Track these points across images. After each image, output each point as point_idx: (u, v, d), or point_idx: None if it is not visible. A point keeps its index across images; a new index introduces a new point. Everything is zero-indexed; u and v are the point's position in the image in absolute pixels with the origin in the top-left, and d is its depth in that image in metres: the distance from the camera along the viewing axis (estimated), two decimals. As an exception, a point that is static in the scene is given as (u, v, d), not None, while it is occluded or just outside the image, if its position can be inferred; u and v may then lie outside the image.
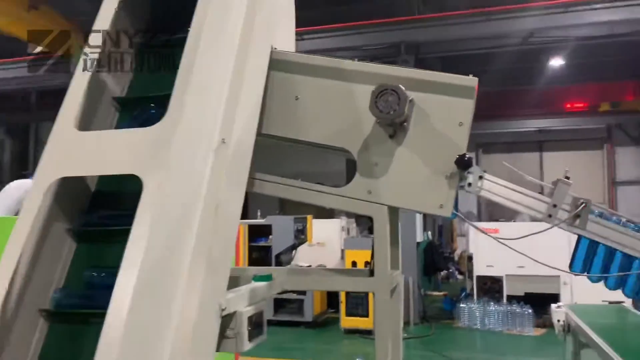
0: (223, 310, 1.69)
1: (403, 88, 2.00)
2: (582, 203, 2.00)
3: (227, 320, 1.77)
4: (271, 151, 2.53)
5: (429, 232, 13.47)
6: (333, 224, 11.05)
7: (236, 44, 1.93)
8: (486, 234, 2.49)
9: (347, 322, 8.93)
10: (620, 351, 3.22)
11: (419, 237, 11.10)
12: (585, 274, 2.04)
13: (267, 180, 2.25)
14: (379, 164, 2.16)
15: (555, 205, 2.04)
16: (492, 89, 15.66)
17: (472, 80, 2.09)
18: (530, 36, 10.47)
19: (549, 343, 7.62)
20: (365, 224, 11.03)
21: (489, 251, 8.96)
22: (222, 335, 1.76)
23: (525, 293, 9.15)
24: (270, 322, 9.41)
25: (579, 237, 2.07)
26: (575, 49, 12.60)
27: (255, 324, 1.86)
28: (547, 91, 16.53)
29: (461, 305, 9.48)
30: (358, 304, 8.75)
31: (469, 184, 2.12)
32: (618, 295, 2.35)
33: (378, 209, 2.15)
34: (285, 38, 2.45)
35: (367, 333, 8.47)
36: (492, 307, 9.05)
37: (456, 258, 15.44)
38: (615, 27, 9.64)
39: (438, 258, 12.45)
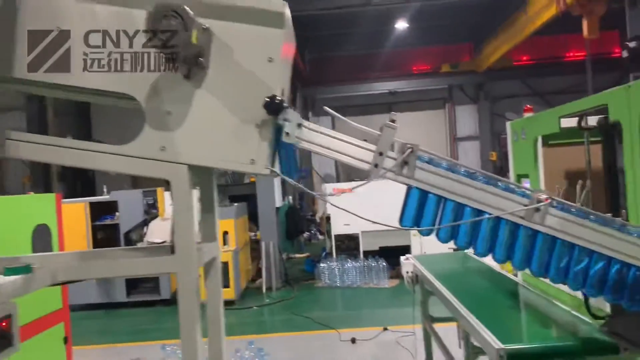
0: None
1: (188, 8, 1.56)
2: (409, 148, 1.77)
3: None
4: (110, 118, 1.94)
5: (290, 197, 13.43)
6: (188, 194, 10.39)
7: None
8: (309, 192, 2.19)
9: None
10: (459, 295, 3.30)
11: (278, 202, 10.91)
12: (415, 227, 1.83)
13: (23, 140, 1.68)
14: (172, 112, 1.71)
15: (381, 153, 1.79)
16: (348, 53, 15.87)
17: (280, 5, 1.71)
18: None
19: (402, 293, 7.96)
20: (224, 192, 10.53)
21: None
22: None
23: (380, 247, 9.50)
24: (124, 305, 8.61)
25: (409, 188, 1.85)
26: (419, 11, 13.14)
27: (-2, 336, 1.35)
28: (396, 54, 17.27)
29: (321, 265, 9.56)
30: (219, 274, 8.38)
31: (287, 134, 1.78)
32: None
33: (175, 170, 1.71)
34: None
35: (228, 304, 8.14)
36: (350, 263, 9.25)
37: (318, 220, 15.68)
38: (452, -11, 10.10)
39: (299, 221, 12.52)
